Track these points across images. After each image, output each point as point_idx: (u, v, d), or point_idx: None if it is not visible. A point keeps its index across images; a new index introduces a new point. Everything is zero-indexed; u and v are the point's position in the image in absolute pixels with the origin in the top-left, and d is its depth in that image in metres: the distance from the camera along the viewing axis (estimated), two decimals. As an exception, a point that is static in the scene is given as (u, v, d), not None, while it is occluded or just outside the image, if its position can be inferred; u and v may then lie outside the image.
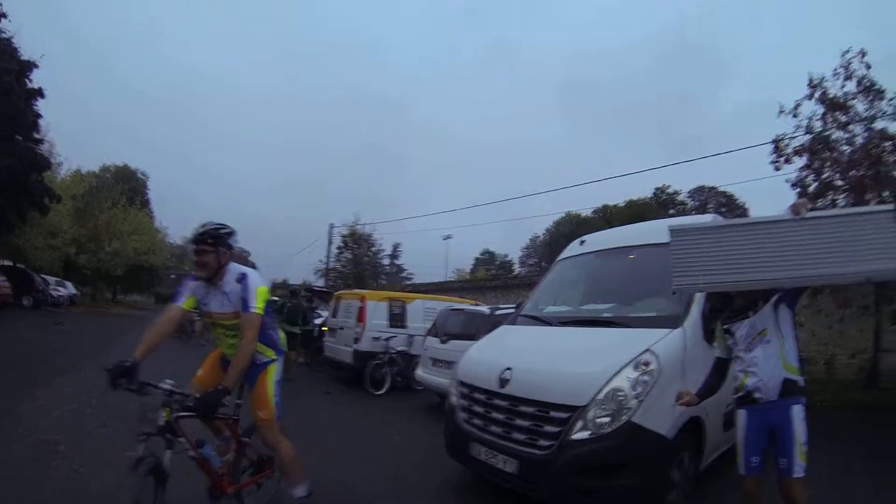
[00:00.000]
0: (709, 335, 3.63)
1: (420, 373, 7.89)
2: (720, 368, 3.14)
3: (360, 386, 8.83)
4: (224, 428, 3.20)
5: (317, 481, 3.36)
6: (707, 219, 4.70)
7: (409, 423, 6.79)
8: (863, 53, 8.59)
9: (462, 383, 4.08)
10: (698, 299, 3.77)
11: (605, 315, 4.21)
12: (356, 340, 9.35)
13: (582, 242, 5.33)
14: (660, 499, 3.23)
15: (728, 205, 34.08)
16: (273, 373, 3.22)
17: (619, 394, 3.16)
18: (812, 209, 2.83)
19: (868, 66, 8.58)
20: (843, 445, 5.48)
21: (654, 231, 4.56)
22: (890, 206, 2.70)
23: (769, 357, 2.85)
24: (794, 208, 2.82)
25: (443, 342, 7.54)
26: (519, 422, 3.45)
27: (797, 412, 2.79)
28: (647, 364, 3.26)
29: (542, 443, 3.28)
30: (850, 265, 2.67)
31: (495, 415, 3.63)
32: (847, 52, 8.68)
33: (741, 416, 2.98)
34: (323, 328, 11.35)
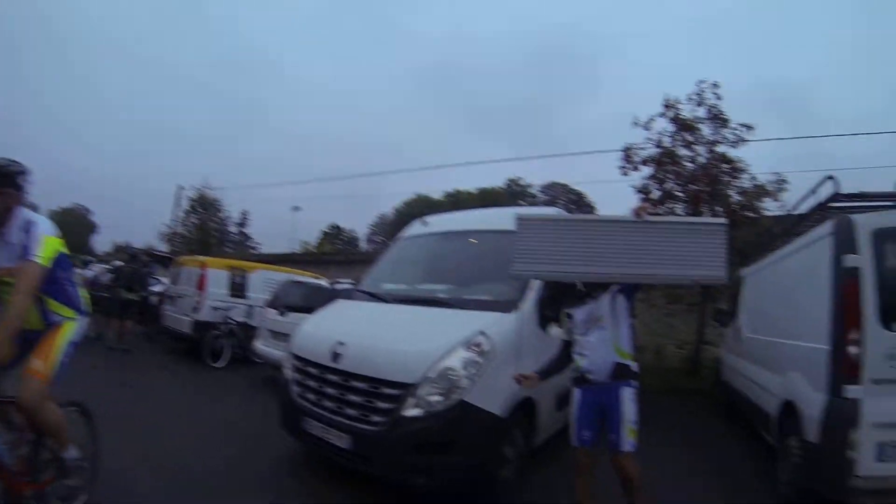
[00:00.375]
0: (544, 321, 3.86)
1: (259, 345, 7.71)
2: (565, 350, 3.29)
3: (198, 358, 8.41)
4: (14, 414, 2.58)
5: (149, 461, 3.22)
6: (552, 212, 4.95)
7: (248, 397, 6.60)
8: (715, 85, 9.49)
9: (296, 357, 3.97)
10: (535, 286, 3.88)
11: (441, 296, 4.21)
12: (195, 310, 8.86)
13: (425, 223, 5.35)
14: (492, 475, 3.33)
15: (577, 202, 35.99)
16: (69, 330, 2.71)
17: (451, 373, 3.20)
18: (652, 214, 3.03)
19: (718, 98, 9.50)
20: (669, 425, 5.96)
21: (497, 218, 4.73)
22: (722, 220, 2.95)
23: (603, 342, 3.03)
24: (636, 211, 2.99)
25: (282, 314, 7.46)
26: (351, 397, 3.40)
27: (627, 394, 2.99)
28: (479, 345, 3.33)
29: (375, 419, 3.26)
30: (681, 268, 2.90)
31: (328, 389, 3.56)
32: (702, 82, 9.57)
33: (576, 393, 3.16)
34: (162, 296, 10.58)
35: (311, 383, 3.71)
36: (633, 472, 2.97)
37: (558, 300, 3.78)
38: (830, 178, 3.92)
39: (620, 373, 3.02)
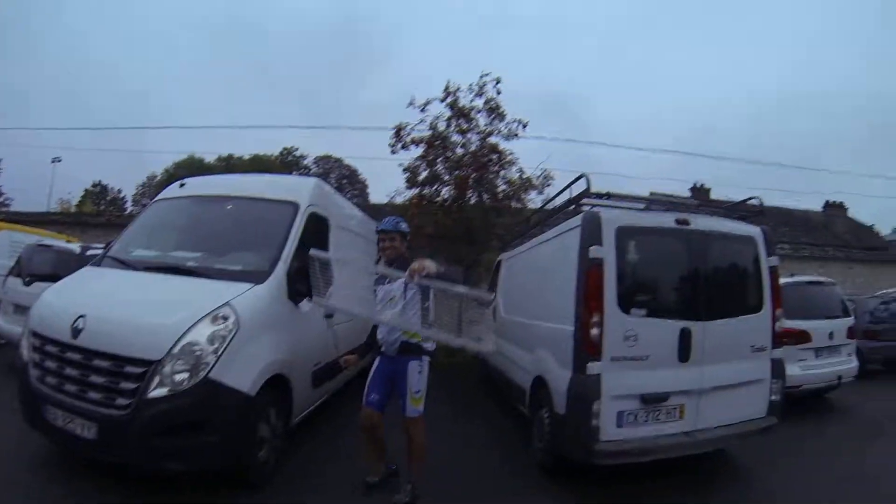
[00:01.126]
0: (295, 294, 3.89)
1: (0, 322, 6.70)
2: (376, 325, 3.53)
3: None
4: None
5: None
6: (311, 182, 4.92)
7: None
8: (497, 81, 9.84)
9: (34, 333, 3.52)
10: (285, 258, 3.90)
11: (190, 264, 3.95)
12: (-84, 284, 7.28)
13: (182, 185, 5.04)
14: (247, 455, 3.28)
15: (350, 178, 36.38)
16: None
17: (196, 348, 3.06)
18: (426, 277, 3.01)
19: (498, 92, 9.92)
20: (436, 399, 6.21)
21: (256, 185, 4.79)
22: (491, 297, 3.28)
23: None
24: (410, 272, 3.03)
25: (26, 284, 6.55)
26: (95, 378, 3.10)
27: (413, 367, 3.37)
28: (225, 318, 3.23)
29: (120, 401, 3.01)
30: (453, 332, 3.06)
31: (70, 371, 3.20)
32: (486, 75, 9.85)
33: (376, 361, 3.52)
34: None
35: (52, 365, 3.30)
36: (415, 435, 3.39)
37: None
38: (582, 176, 4.26)
39: (407, 349, 3.37)
